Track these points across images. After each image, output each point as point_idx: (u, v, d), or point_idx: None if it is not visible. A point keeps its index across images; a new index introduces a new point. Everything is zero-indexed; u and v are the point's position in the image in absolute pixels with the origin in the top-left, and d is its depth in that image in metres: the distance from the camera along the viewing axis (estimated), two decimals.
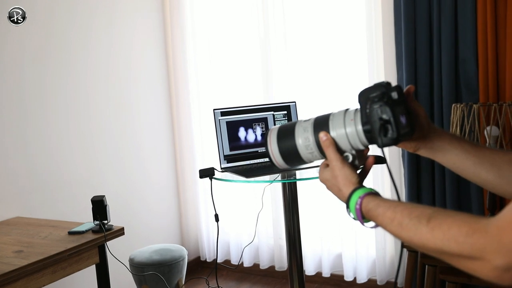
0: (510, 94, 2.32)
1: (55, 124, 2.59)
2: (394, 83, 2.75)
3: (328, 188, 0.86)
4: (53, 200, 2.53)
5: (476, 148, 0.87)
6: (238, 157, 1.94)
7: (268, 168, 1.88)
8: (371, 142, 0.81)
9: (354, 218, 0.80)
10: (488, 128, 2.16)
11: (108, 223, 2.07)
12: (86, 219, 2.19)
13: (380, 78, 2.72)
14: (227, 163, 1.92)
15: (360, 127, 0.80)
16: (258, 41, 3.08)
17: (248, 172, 1.83)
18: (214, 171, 1.87)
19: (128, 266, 2.57)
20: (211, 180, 1.86)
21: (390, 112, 0.76)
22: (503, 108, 2.11)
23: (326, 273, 3.00)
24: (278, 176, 1.83)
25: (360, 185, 0.81)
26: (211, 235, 3.40)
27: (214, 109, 1.93)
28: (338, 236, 2.95)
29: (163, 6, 3.35)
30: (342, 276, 2.95)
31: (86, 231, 2.03)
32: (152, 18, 3.28)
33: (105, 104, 2.89)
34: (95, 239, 1.95)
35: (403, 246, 2.25)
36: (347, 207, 0.81)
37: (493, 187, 0.85)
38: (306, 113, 2.73)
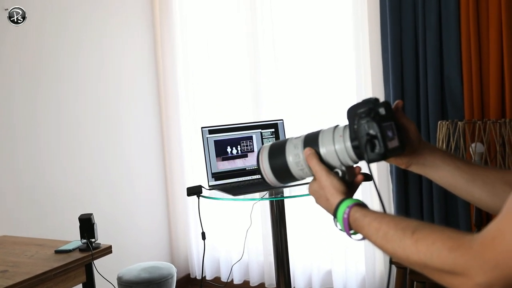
0: (494, 111, 2.36)
1: (43, 140, 2.58)
2: (382, 100, 2.79)
3: (317, 200, 0.86)
4: (40, 217, 2.51)
5: (469, 165, 0.87)
6: (226, 175, 1.95)
7: (256, 186, 1.89)
8: (360, 158, 0.81)
9: (340, 229, 0.80)
10: (473, 145, 2.19)
11: (96, 242, 2.06)
12: (74, 237, 2.18)
13: (368, 95, 2.75)
14: (215, 180, 1.92)
15: (348, 143, 0.81)
16: (247, 59, 3.11)
17: (236, 190, 1.83)
18: (201, 189, 1.88)
19: (116, 284, 2.54)
20: (198, 198, 1.86)
21: (377, 128, 0.77)
22: (487, 125, 2.14)
23: None
24: (266, 194, 1.84)
25: (348, 195, 0.81)
26: (201, 252, 3.37)
27: (202, 127, 1.95)
28: (328, 252, 2.95)
29: (154, 22, 3.38)
30: None
31: (73, 249, 2.01)
32: (142, 34, 3.31)
33: (95, 121, 2.89)
34: (82, 258, 1.94)
35: (391, 262, 2.25)
36: (335, 216, 0.80)
37: (486, 205, 0.85)
38: (294, 130, 2.74)
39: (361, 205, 0.79)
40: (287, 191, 1.91)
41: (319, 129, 0.87)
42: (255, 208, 2.50)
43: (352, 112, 0.81)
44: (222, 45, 3.23)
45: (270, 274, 3.14)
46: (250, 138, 1.98)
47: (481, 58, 2.41)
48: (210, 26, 3.26)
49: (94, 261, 2.00)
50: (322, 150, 0.83)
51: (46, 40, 2.61)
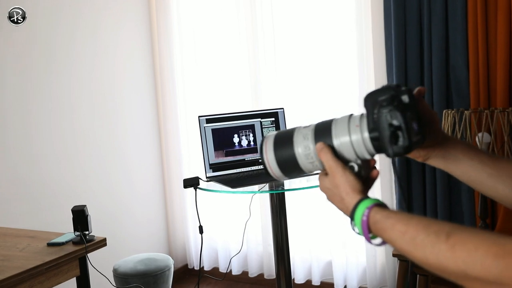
0: (501, 99, 2.29)
1: (37, 131, 2.51)
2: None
3: (329, 198, 0.78)
4: (33, 209, 2.45)
5: (493, 159, 0.79)
6: (224, 166, 1.88)
7: (255, 177, 1.82)
8: (379, 151, 0.73)
9: (358, 233, 0.72)
10: (480, 134, 2.12)
11: (90, 234, 1.99)
12: (68, 229, 2.11)
13: (370, 84, 2.68)
14: (213, 172, 1.85)
15: (366, 134, 0.72)
16: (246, 47, 3.02)
17: (234, 182, 1.76)
18: (198, 181, 1.81)
19: (112, 276, 2.49)
20: (195, 190, 1.79)
21: (401, 118, 0.69)
22: (495, 114, 2.07)
23: (316, 281, 2.94)
24: (265, 186, 1.77)
25: (366, 194, 0.73)
26: (199, 243, 3.33)
27: (199, 116, 1.87)
28: (328, 243, 2.90)
29: (150, 12, 3.29)
30: (332, 284, 2.89)
31: (66, 242, 1.95)
32: (138, 23, 3.21)
33: (90, 111, 2.82)
34: (76, 251, 1.87)
35: (394, 254, 2.20)
36: (352, 219, 0.72)
37: (511, 202, 0.78)
38: (294, 119, 2.68)
39: (381, 205, 0.71)
40: (287, 183, 1.84)
41: (330, 118, 0.78)
42: (254, 199, 2.44)
43: (371, 100, 0.72)
44: (220, 33, 3.14)
45: (269, 265, 3.10)
46: (250, 127, 1.91)
47: (488, 46, 2.33)
48: (208, 12, 3.17)
49: (89, 254, 1.94)
50: (336, 142, 0.75)
51: (38, 33, 2.52)
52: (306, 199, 2.83)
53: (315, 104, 2.85)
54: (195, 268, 3.36)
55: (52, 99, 2.59)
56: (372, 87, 2.66)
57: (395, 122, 0.69)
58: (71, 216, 1.99)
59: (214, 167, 1.85)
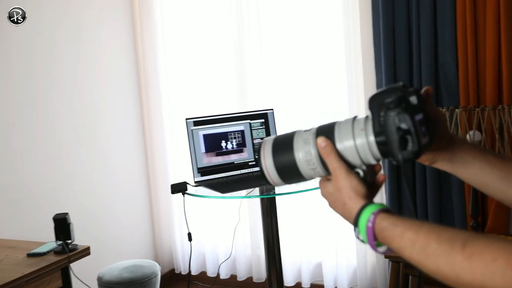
0: (490, 97, 2.27)
1: (16, 133, 2.40)
2: (372, 87, 2.70)
3: (331, 204, 0.73)
4: (12, 217, 2.35)
5: (502, 160, 0.76)
6: (213, 170, 1.81)
7: (245, 181, 1.76)
8: (385, 156, 0.69)
9: (362, 240, 0.67)
10: (471, 132, 2.10)
11: (73, 243, 1.91)
12: (49, 237, 2.02)
13: (359, 81, 2.64)
14: (201, 176, 1.78)
15: (372, 138, 0.68)
16: (232, 46, 2.95)
17: (223, 186, 1.70)
18: (186, 186, 1.74)
19: (96, 285, 2.40)
20: (183, 196, 1.72)
21: (410, 121, 0.65)
22: (486, 112, 2.05)
23: (306, 283, 2.90)
24: (252, 191, 1.69)
25: (370, 200, 0.69)
26: (186, 247, 3.25)
27: (186, 119, 1.80)
28: (318, 244, 2.86)
29: (132, 10, 3.19)
30: (323, 286, 2.85)
31: (48, 252, 1.86)
32: (120, 24, 3.11)
33: (72, 113, 2.72)
34: (57, 262, 1.79)
35: (386, 256, 2.17)
36: (355, 225, 0.67)
37: None
38: (284, 120, 2.61)
39: (387, 211, 0.66)
40: (277, 188, 1.78)
41: (333, 121, 0.74)
42: (243, 202, 2.37)
43: (377, 102, 0.68)
44: (205, 32, 3.06)
45: (258, 268, 3.04)
46: (239, 129, 1.85)
47: (477, 43, 2.31)
48: (192, 12, 3.08)
49: (72, 264, 1.86)
50: (339, 146, 0.70)
51: (17, 32, 2.41)
52: (295, 201, 2.78)
53: (303, 103, 2.80)
54: (182, 273, 3.28)
55: (32, 100, 2.48)
56: (360, 85, 2.62)
57: (403, 126, 0.65)
58: (53, 223, 1.91)
59: (203, 171, 1.78)
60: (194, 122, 1.78)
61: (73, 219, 1.97)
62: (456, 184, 2.36)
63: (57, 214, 1.91)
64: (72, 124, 2.71)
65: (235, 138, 1.83)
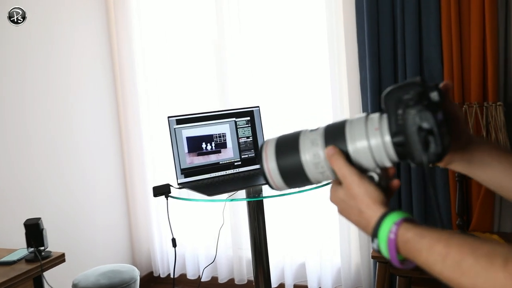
0: (475, 94, 2.26)
1: None
2: (356, 83, 2.65)
3: (342, 211, 0.67)
4: None
5: None
6: (197, 171, 1.71)
7: (231, 182, 1.68)
8: (402, 158, 0.63)
9: (381, 252, 0.60)
10: None
11: (46, 250, 1.79)
12: (20, 244, 1.89)
13: (342, 78, 2.59)
14: (185, 177, 1.69)
15: (388, 139, 0.62)
16: (212, 42, 2.87)
17: (209, 188, 1.61)
18: (170, 188, 1.64)
19: None
20: (167, 199, 1.62)
21: (432, 120, 0.58)
22: (473, 109, 2.02)
23: (289, 284, 2.84)
24: (234, 194, 1.60)
25: (390, 207, 0.62)
26: (165, 249, 3.15)
27: (168, 117, 1.70)
28: (301, 244, 2.80)
29: (107, 5, 3.05)
30: (306, 287, 2.80)
31: (18, 260, 1.74)
32: (95, 18, 2.97)
33: (44, 114, 2.57)
34: (29, 270, 1.68)
35: (373, 256, 2.12)
36: (374, 236, 0.60)
37: None
38: (268, 118, 2.53)
39: (411, 220, 0.59)
40: (264, 190, 1.70)
41: (342, 119, 0.67)
42: (227, 203, 2.29)
43: (394, 98, 0.62)
44: (184, 27, 2.95)
45: (240, 270, 2.97)
46: (224, 128, 1.76)
47: (462, 39, 2.28)
48: (171, 5, 2.97)
49: (45, 272, 1.74)
50: (351, 147, 0.64)
51: None
52: (279, 200, 2.71)
53: (286, 100, 2.73)
54: (161, 276, 3.17)
55: (2, 99, 2.33)
56: (344, 82, 2.57)
57: (425, 125, 0.59)
58: (22, 229, 1.78)
59: (186, 172, 1.69)
60: (177, 120, 1.69)
61: (46, 224, 1.85)
62: (441, 182, 2.34)
63: (28, 220, 1.79)
64: (44, 124, 2.57)
65: (220, 137, 1.74)
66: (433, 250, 0.55)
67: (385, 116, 0.63)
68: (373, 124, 0.63)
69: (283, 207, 2.78)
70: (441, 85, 0.66)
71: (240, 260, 2.96)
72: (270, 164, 0.69)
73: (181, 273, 3.13)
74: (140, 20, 3.01)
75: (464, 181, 2.19)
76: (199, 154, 1.71)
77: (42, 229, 1.76)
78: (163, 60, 3.01)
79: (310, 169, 0.67)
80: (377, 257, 2.15)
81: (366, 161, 0.64)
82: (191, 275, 3.08)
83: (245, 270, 2.97)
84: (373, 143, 0.63)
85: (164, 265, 3.16)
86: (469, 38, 2.25)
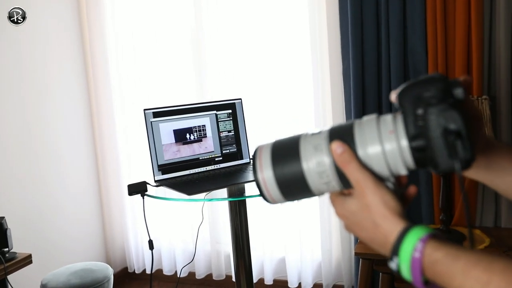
0: None
1: None
2: (339, 73, 2.57)
3: (351, 225, 0.58)
4: None
5: None
6: (175, 167, 1.61)
7: (211, 179, 1.58)
8: (421, 165, 0.55)
9: (401, 273, 0.51)
10: None
11: (11, 251, 1.67)
12: None
13: (325, 70, 2.51)
14: (162, 174, 1.58)
15: (405, 143, 0.54)
16: (189, 32, 2.75)
17: (187, 186, 1.51)
18: (146, 186, 1.54)
19: None
20: (143, 198, 1.52)
21: (460, 120, 0.51)
22: None
23: (268, 280, 2.78)
24: (209, 194, 1.50)
25: (410, 220, 0.53)
26: (140, 244, 3.04)
27: (144, 110, 1.58)
28: (281, 238, 2.74)
29: None
30: (286, 282, 2.75)
31: None
32: (66, 10, 2.80)
33: (10, 106, 2.41)
34: None
35: (356, 253, 2.07)
36: (394, 254, 0.51)
37: None
38: (250, 111, 2.43)
39: (438, 237, 0.51)
40: (247, 188, 1.62)
41: (349, 121, 0.58)
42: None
43: (412, 95, 0.53)
44: (160, 17, 2.81)
45: (218, 265, 2.89)
46: (204, 121, 1.65)
47: (446, 31, 2.23)
48: None
49: (10, 276, 1.62)
50: (361, 152, 0.56)
51: None
52: (256, 192, 2.63)
53: (268, 91, 2.64)
54: (136, 272, 3.07)
55: None
56: (326, 71, 2.50)
57: (452, 127, 0.51)
58: None
59: (164, 168, 1.58)
60: (153, 113, 1.58)
61: (13, 221, 1.73)
62: (424, 177, 2.31)
63: None
64: (14, 121, 2.41)
65: (199, 131, 1.64)
66: (470, 275, 0.47)
67: (400, 116, 0.55)
68: (386, 126, 0.55)
69: (263, 201, 2.70)
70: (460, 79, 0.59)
71: (218, 255, 2.88)
72: (265, 173, 0.59)
73: (157, 269, 3.03)
74: (114, 8, 2.86)
75: (448, 176, 2.16)
76: (177, 150, 1.60)
77: (6, 229, 1.63)
78: (138, 52, 2.87)
79: (313, 179, 0.58)
80: (360, 253, 2.10)
81: (378, 169, 0.56)
82: (167, 271, 2.99)
83: (223, 265, 2.89)
84: (387, 147, 0.54)
85: (139, 261, 3.06)
86: (454, 30, 2.21)
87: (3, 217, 1.66)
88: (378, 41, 2.36)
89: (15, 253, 1.67)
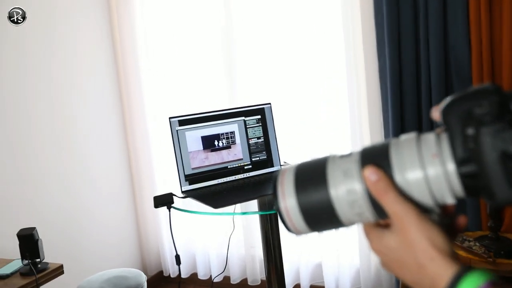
0: (508, 82, 2.06)
1: None
2: (375, 72, 2.44)
3: (389, 263, 0.50)
4: None
5: None
6: (203, 177, 1.56)
7: (240, 189, 1.52)
8: (472, 194, 0.46)
9: None
10: None
11: (42, 261, 1.66)
12: (14, 255, 1.77)
13: (359, 66, 2.39)
14: (189, 184, 1.53)
15: (452, 168, 0.45)
16: (220, 36, 2.69)
17: (215, 197, 1.45)
18: (172, 198, 1.49)
19: None
20: (169, 210, 1.47)
21: None
22: None
23: (305, 285, 2.70)
24: (231, 208, 1.43)
25: (460, 262, 0.45)
26: (173, 248, 3.02)
27: (170, 118, 1.54)
28: (317, 243, 2.65)
29: (109, 3, 2.89)
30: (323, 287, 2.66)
31: (12, 274, 1.62)
32: (96, 16, 2.81)
33: (45, 116, 2.43)
34: (24, 285, 1.55)
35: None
36: None
37: None
38: (280, 116, 2.34)
39: (498, 284, 0.43)
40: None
41: (384, 141, 0.50)
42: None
43: (460, 112, 0.45)
44: (190, 22, 2.77)
45: (252, 269, 2.83)
46: (232, 127, 1.59)
47: (491, 23, 2.08)
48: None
49: (42, 287, 1.62)
50: (399, 178, 0.47)
51: None
52: None
53: (299, 96, 2.55)
54: (171, 276, 3.06)
55: (2, 101, 2.20)
56: (361, 70, 2.38)
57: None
58: (16, 238, 1.66)
59: (191, 178, 1.53)
60: (179, 121, 1.53)
61: (45, 229, 1.72)
62: None
63: (22, 230, 1.66)
64: (45, 125, 2.43)
65: (227, 138, 1.57)
66: None
67: (445, 136, 0.46)
68: (429, 147, 0.46)
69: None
70: None
71: (253, 260, 2.82)
72: (288, 201, 0.52)
73: (192, 272, 3.01)
74: (143, 14, 2.86)
75: None
76: (205, 159, 1.55)
77: (37, 240, 1.63)
78: (169, 57, 2.85)
79: (342, 209, 0.50)
80: None
81: (420, 198, 0.47)
82: (202, 275, 2.96)
83: (258, 270, 2.83)
84: (431, 173, 0.46)
85: (174, 265, 3.04)
86: (501, 23, 2.05)
87: (34, 228, 1.66)
88: (416, 37, 2.23)
89: (47, 263, 1.67)
